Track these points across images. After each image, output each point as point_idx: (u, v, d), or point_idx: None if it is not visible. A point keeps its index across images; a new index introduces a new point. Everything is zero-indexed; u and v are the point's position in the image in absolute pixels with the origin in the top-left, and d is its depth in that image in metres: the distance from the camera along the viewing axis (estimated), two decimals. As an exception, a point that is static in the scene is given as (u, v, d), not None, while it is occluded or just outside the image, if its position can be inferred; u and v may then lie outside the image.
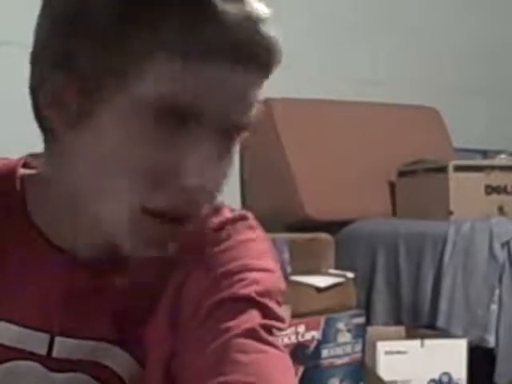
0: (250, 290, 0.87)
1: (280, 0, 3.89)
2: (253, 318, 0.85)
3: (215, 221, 0.94)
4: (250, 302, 0.86)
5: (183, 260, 0.90)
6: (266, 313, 0.86)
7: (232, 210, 0.97)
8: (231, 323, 0.83)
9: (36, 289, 0.89)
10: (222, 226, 0.93)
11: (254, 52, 0.79)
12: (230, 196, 3.69)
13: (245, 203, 3.68)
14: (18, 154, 0.92)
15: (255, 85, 0.82)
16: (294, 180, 3.47)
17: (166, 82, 0.78)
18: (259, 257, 0.92)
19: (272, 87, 3.31)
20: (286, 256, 2.65)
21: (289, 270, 2.62)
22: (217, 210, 0.95)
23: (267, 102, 3.52)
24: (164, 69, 0.78)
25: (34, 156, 0.94)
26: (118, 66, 0.78)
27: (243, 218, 0.96)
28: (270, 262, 0.93)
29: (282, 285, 0.93)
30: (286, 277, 2.49)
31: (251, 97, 0.82)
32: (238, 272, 0.88)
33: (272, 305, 0.88)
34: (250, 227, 0.95)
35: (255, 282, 0.88)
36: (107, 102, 0.80)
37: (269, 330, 0.85)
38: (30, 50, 0.85)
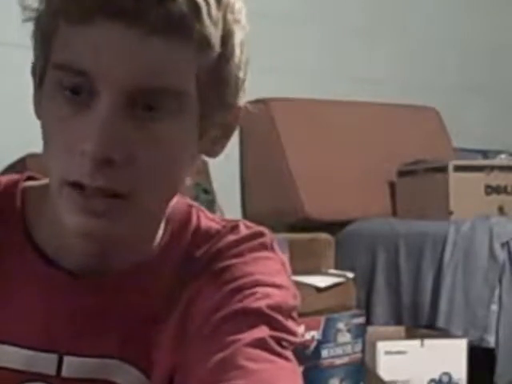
0: (260, 304, 0.86)
1: (280, 1, 3.91)
2: (262, 330, 0.84)
3: (231, 238, 0.93)
4: (260, 316, 0.85)
5: (195, 277, 0.90)
6: (276, 326, 0.86)
7: (248, 227, 0.95)
8: (240, 335, 0.82)
9: (39, 310, 0.88)
10: (236, 244, 0.92)
11: (131, 7, 0.76)
12: (230, 196, 3.70)
13: (245, 203, 3.68)
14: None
15: (149, 45, 0.78)
16: (294, 180, 3.47)
17: (62, 52, 0.80)
18: (272, 274, 0.91)
19: (272, 87, 3.33)
20: (286, 256, 2.65)
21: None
22: (234, 227, 0.94)
23: (267, 102, 3.52)
24: (61, 38, 0.80)
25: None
26: (46, 46, 0.82)
27: (259, 236, 0.95)
28: (283, 279, 0.92)
29: (296, 302, 0.92)
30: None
31: (146, 58, 0.78)
32: (250, 287, 0.88)
33: (283, 319, 0.87)
34: (265, 245, 0.94)
35: (266, 296, 0.87)
36: (43, 86, 0.84)
37: (279, 342, 0.84)
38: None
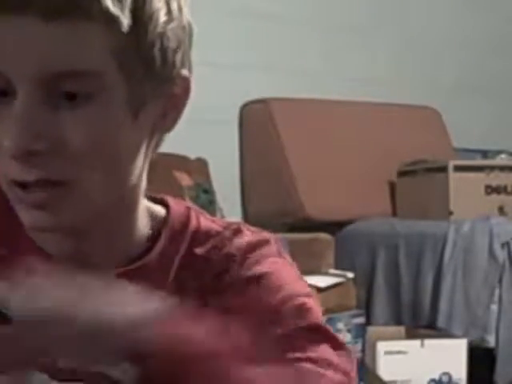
0: (313, 319, 0.87)
1: (280, 1, 3.91)
2: (327, 349, 0.85)
3: (238, 243, 0.92)
4: (318, 332, 0.86)
5: (199, 277, 0.90)
6: (335, 344, 0.86)
7: (252, 231, 0.95)
8: (310, 354, 0.83)
9: None
10: (249, 249, 0.92)
11: None
12: (230, 196, 3.69)
13: (245, 203, 3.68)
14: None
15: (46, 31, 0.77)
16: (294, 180, 3.47)
17: None
18: (299, 282, 0.92)
19: (272, 87, 3.33)
20: (286, 256, 2.65)
21: (289, 270, 2.62)
22: (237, 231, 0.93)
23: (267, 102, 3.52)
24: None
25: None
26: None
27: (267, 243, 0.94)
28: (307, 286, 0.93)
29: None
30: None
31: (46, 44, 0.77)
32: (294, 301, 0.88)
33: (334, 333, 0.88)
34: (278, 252, 0.95)
35: (311, 310, 0.88)
36: None
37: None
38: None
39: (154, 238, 0.92)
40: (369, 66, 4.00)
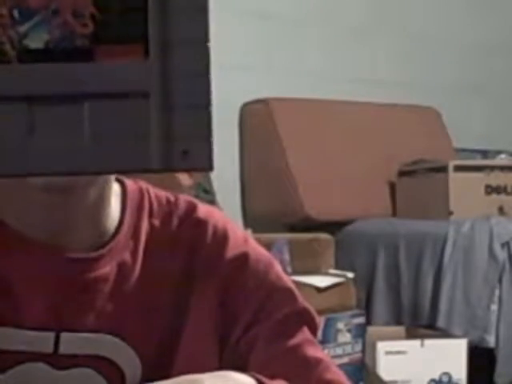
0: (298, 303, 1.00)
1: (280, 1, 3.90)
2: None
3: (199, 217, 0.96)
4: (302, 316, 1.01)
5: (189, 261, 0.93)
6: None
7: (201, 203, 0.99)
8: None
9: (33, 290, 0.88)
10: (216, 227, 0.96)
11: None
12: (230, 196, 3.68)
13: (245, 203, 3.68)
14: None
15: None
16: (294, 180, 3.47)
17: None
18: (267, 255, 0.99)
19: (272, 87, 3.32)
20: (286, 256, 2.65)
21: (289, 270, 2.63)
22: (191, 204, 0.97)
23: (267, 102, 3.52)
24: None
25: None
26: None
27: (221, 213, 1.00)
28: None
29: None
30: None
31: None
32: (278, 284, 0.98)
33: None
34: (228, 220, 1.00)
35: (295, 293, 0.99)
36: None
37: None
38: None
39: (120, 216, 0.93)
40: (369, 67, 4.00)
